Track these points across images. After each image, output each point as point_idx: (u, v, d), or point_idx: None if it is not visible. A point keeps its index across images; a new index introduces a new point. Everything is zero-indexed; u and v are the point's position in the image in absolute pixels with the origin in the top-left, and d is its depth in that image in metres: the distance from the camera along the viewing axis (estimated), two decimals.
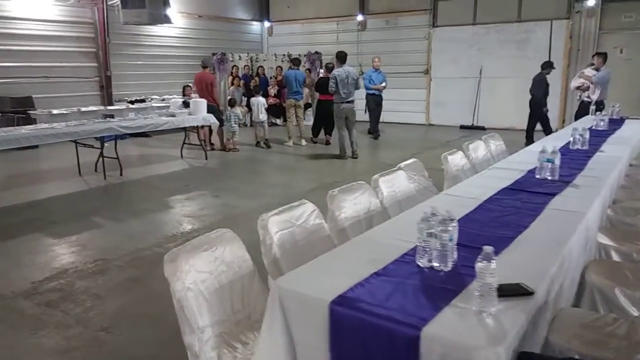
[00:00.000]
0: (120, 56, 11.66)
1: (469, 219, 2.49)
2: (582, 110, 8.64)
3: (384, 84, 10.35)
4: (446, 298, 1.60)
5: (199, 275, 2.04)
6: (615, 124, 6.21)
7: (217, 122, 8.74)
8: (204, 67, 9.13)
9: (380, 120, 13.76)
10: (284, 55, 14.27)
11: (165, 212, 5.60)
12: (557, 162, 3.25)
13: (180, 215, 5.44)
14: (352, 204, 2.99)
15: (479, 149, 4.76)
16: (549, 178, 3.26)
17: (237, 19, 15.03)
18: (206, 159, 8.62)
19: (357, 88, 8.60)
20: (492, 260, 1.48)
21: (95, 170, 7.52)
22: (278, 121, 13.70)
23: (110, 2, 10.94)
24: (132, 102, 11.06)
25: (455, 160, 4.24)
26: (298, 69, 10.22)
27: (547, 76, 9.62)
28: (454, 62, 12.56)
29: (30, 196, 6.22)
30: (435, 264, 1.84)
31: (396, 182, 3.45)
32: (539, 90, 9.43)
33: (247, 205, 5.75)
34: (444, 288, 1.68)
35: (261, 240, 2.48)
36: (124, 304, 3.44)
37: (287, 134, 10.06)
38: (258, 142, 9.79)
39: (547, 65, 9.53)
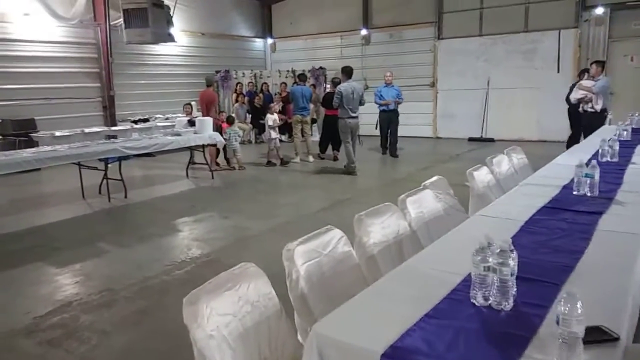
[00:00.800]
0: (124, 76, 11.54)
1: (514, 244, 2.24)
2: (588, 120, 8.42)
3: (391, 100, 9.91)
4: (517, 347, 1.36)
5: (221, 319, 1.80)
6: (638, 133, 5.97)
7: (223, 141, 8.55)
8: (208, 85, 8.99)
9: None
10: (287, 71, 14.15)
11: (172, 236, 5.36)
12: (597, 177, 3.02)
13: (189, 239, 5.20)
14: (380, 227, 2.76)
15: (502, 163, 4.53)
16: (589, 194, 3.02)
17: (240, 36, 14.96)
18: (212, 178, 8.41)
19: (361, 104, 8.42)
20: (577, 304, 1.24)
21: (99, 193, 7.31)
22: (283, 137, 13.52)
23: (113, 22, 10.83)
24: (135, 122, 10.91)
25: (481, 176, 4.00)
26: (304, 85, 10.05)
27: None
28: (460, 74, 12.40)
29: (33, 221, 6.00)
30: (494, 302, 1.60)
31: (423, 202, 3.21)
32: None
33: (258, 227, 5.51)
34: (511, 334, 1.44)
35: (287, 274, 2.24)
36: (132, 340, 3.19)
37: (294, 150, 9.86)
38: (269, 161, 9.53)
39: (585, 71, 9.14)
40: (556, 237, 2.28)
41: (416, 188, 3.33)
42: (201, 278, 4.13)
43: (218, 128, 8.76)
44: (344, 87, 8.23)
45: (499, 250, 1.59)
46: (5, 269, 4.41)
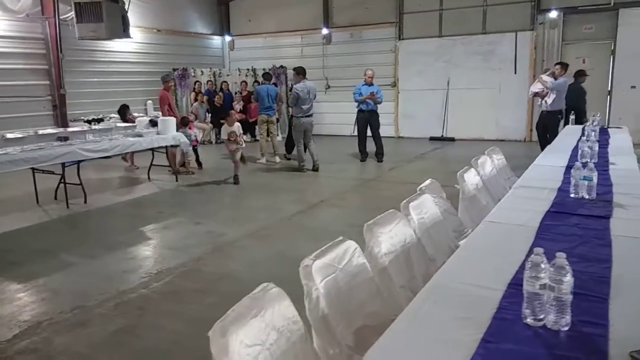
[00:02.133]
0: (75, 73, 10.89)
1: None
2: (543, 120, 8.73)
3: (374, 94, 9.25)
4: None
5: (251, 350, 1.63)
6: (602, 133, 6.18)
7: (188, 142, 8.21)
8: (165, 82, 8.63)
9: (349, 133, 13.67)
10: (247, 69, 13.85)
11: (143, 244, 5.05)
12: (595, 180, 3.03)
13: (162, 248, 4.92)
14: (388, 237, 2.65)
15: (486, 164, 4.52)
16: (587, 197, 3.03)
17: (197, 33, 14.50)
18: (177, 181, 8.06)
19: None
20: None
21: (55, 198, 6.84)
22: (245, 137, 13.20)
23: (63, 17, 10.20)
24: (89, 122, 10.29)
25: (470, 178, 3.96)
26: (269, 84, 9.82)
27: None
28: (421, 75, 12.53)
29: None
30: (550, 322, 1.51)
31: (424, 208, 3.12)
32: (581, 99, 9.07)
33: (234, 233, 5.28)
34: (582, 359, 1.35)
35: (305, 293, 2.08)
36: None
37: (259, 150, 9.62)
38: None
39: (581, 74, 9.29)
40: (575, 245, 2.24)
41: (419, 193, 3.21)
42: (183, 290, 3.91)
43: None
44: (300, 87, 8.34)
45: (554, 266, 1.50)
46: None
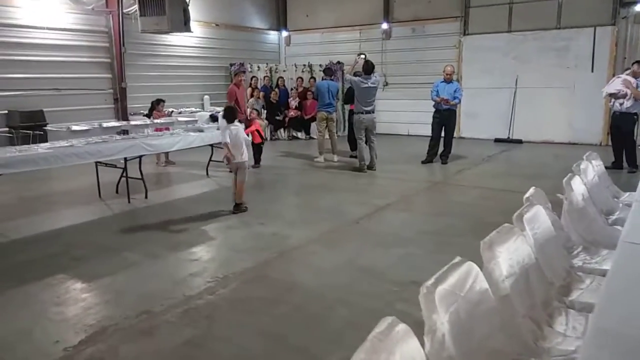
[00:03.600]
0: (135, 67, 10.97)
1: None
2: (616, 121, 7.98)
3: (455, 100, 8.78)
4: None
5: None
6: None
7: (249, 138, 7.99)
8: (235, 76, 8.48)
9: (407, 132, 13.20)
10: (304, 65, 13.59)
11: (206, 245, 4.82)
12: None
13: (226, 249, 4.67)
14: (507, 257, 2.24)
15: (588, 171, 4.00)
16: None
17: (254, 28, 14.38)
18: None
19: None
20: None
21: (117, 192, 6.78)
22: (299, 134, 12.99)
23: (126, 10, 10.26)
24: (147, 115, 10.32)
25: (578, 187, 3.47)
26: (331, 79, 9.46)
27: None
28: (487, 72, 11.85)
29: (48, 225, 5.46)
30: None
31: (537, 222, 2.69)
32: None
33: (299, 236, 4.98)
34: None
35: (427, 328, 1.71)
36: None
37: (317, 149, 9.30)
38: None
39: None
40: None
41: (530, 204, 2.77)
42: (251, 298, 3.63)
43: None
44: (360, 81, 8.01)
45: None
46: (21, 284, 3.88)
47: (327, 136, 9.24)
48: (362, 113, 8.07)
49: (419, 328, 3.14)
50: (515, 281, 2.18)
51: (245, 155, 5.82)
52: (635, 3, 10.11)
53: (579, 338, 2.04)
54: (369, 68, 8.08)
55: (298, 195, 6.82)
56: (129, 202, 6.38)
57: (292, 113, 12.86)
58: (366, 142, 8.27)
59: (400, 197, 6.55)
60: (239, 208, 5.82)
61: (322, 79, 9.37)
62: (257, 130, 7.96)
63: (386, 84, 13.32)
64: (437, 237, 4.93)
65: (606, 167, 6.89)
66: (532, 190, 3.18)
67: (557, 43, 11.04)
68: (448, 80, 8.85)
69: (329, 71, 9.66)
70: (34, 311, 3.44)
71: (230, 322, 3.27)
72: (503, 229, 2.36)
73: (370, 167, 8.25)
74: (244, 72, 8.93)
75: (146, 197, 6.57)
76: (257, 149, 8.51)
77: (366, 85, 7.93)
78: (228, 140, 5.67)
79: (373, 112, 8.17)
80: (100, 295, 3.70)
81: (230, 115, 5.84)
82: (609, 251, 2.98)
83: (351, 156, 9.18)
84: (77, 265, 4.28)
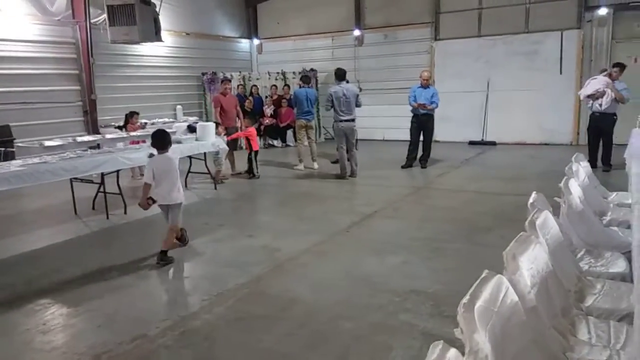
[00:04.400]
0: (105, 78, 10.63)
1: None
2: (596, 122, 8.21)
3: (432, 105, 8.90)
4: None
5: None
6: None
7: (227, 148, 7.87)
8: (222, 84, 8.41)
9: (383, 137, 13.25)
10: (277, 73, 13.49)
11: (195, 261, 4.67)
12: None
13: (217, 265, 4.52)
14: (528, 266, 2.20)
15: (579, 173, 4.05)
16: None
17: (225, 37, 14.20)
18: (215, 188, 7.71)
19: (357, 105, 8.16)
20: None
21: (93, 208, 6.54)
22: (275, 142, 12.87)
23: (94, 20, 9.95)
24: (120, 128, 10.01)
25: (575, 189, 3.49)
26: (308, 87, 9.41)
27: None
28: (459, 76, 12.02)
29: (24, 246, 5.20)
30: None
31: (547, 227, 2.67)
32: None
33: (290, 248, 4.87)
34: None
35: (468, 350, 1.64)
36: None
37: (297, 156, 9.22)
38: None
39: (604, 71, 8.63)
40: None
41: (538, 210, 2.75)
42: (250, 316, 3.51)
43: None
44: (334, 89, 8.03)
45: None
46: (1, 311, 3.64)
47: (305, 143, 9.17)
48: (341, 121, 8.03)
49: (427, 339, 3.11)
50: (537, 291, 2.15)
51: (181, 192, 4.64)
52: (598, 7, 10.44)
53: (607, 347, 2.02)
54: (341, 74, 8.08)
55: (283, 205, 6.71)
56: (107, 218, 6.15)
57: (267, 121, 12.74)
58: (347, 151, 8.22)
59: (386, 204, 6.52)
60: (164, 258, 4.47)
61: (300, 87, 9.29)
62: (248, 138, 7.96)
63: (360, 90, 13.31)
64: (430, 243, 4.91)
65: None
66: (534, 195, 3.18)
67: (526, 47, 11.30)
68: (425, 85, 8.91)
69: (307, 79, 9.61)
70: (19, 341, 3.23)
71: (232, 343, 3.14)
72: (521, 238, 2.32)
73: (352, 175, 8.20)
74: (230, 80, 8.81)
75: (125, 212, 6.34)
76: (255, 158, 8.43)
77: (342, 93, 7.91)
78: (151, 180, 4.46)
79: (352, 121, 8.11)
80: (90, 320, 3.51)
81: (161, 141, 4.58)
82: (612, 253, 3.00)
83: (333, 162, 9.13)
84: (60, 288, 4.06)
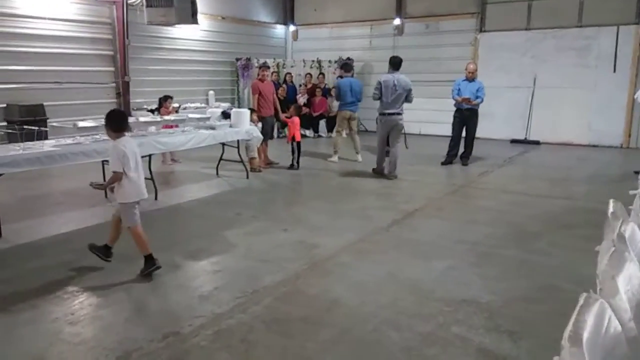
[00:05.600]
0: (139, 60, 10.53)
1: None
2: None
3: (477, 100, 8.38)
4: None
5: None
6: None
7: (261, 136, 7.62)
8: (260, 70, 8.14)
9: (419, 132, 12.81)
10: (313, 61, 13.18)
11: (229, 254, 4.42)
12: None
13: (251, 259, 4.27)
14: (625, 287, 1.86)
15: None
16: None
17: (260, 22, 13.94)
18: (247, 177, 7.48)
19: (407, 101, 7.45)
20: None
21: None
22: (307, 132, 12.57)
23: (131, 1, 9.82)
24: (152, 111, 9.88)
25: None
26: (351, 76, 8.99)
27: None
28: (503, 71, 11.49)
29: (54, 228, 5.06)
30: None
31: (634, 240, 2.31)
32: None
33: (328, 244, 4.59)
34: None
35: None
36: None
37: (332, 148, 8.90)
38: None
39: None
40: None
41: (620, 221, 2.38)
42: (289, 319, 3.22)
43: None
44: (385, 78, 7.35)
45: None
46: (30, 297, 3.47)
47: (344, 135, 8.84)
48: (386, 114, 7.37)
49: (483, 357, 2.79)
50: (635, 316, 1.81)
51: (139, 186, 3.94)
52: None
53: None
54: (396, 62, 7.44)
55: (318, 198, 6.41)
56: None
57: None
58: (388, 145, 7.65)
59: (427, 202, 6.17)
60: (149, 264, 3.84)
61: (340, 77, 8.85)
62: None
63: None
64: (477, 247, 4.56)
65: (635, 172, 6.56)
66: (613, 203, 2.80)
67: (578, 42, 10.70)
68: (470, 79, 8.46)
69: (348, 67, 9.12)
70: (46, 332, 3.04)
71: (271, 348, 2.88)
72: (615, 254, 1.97)
73: (388, 175, 7.48)
74: (268, 67, 8.47)
75: (156, 198, 6.17)
76: (298, 149, 8.14)
77: (392, 83, 7.26)
78: (120, 168, 3.75)
79: (398, 115, 7.36)
80: (119, 312, 3.30)
81: (118, 122, 3.87)
82: None
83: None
84: (89, 275, 3.88)
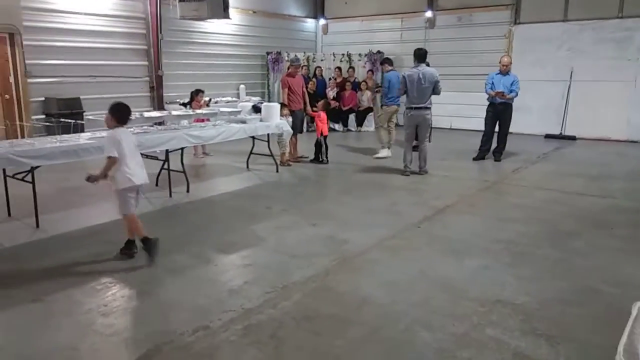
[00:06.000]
0: (172, 54, 10.66)
1: None
2: None
3: (512, 94, 8.17)
4: None
5: None
6: None
7: (291, 130, 7.61)
8: (293, 67, 8.06)
9: (450, 126, 12.60)
10: (343, 55, 13.10)
11: (258, 247, 4.43)
12: None
13: (281, 254, 4.27)
14: None
15: None
16: None
17: (291, 16, 13.92)
18: (277, 171, 7.49)
19: (435, 93, 7.20)
20: None
21: (156, 185, 6.48)
22: (336, 126, 12.51)
23: None
24: (184, 105, 10.00)
25: None
26: (394, 69, 8.77)
27: None
28: (539, 64, 11.17)
29: (89, 220, 5.18)
30: None
31: None
32: None
33: (358, 240, 4.56)
34: None
35: None
36: None
37: (379, 143, 8.75)
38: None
39: None
40: None
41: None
42: (319, 316, 3.19)
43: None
44: (409, 72, 7.12)
45: None
46: (64, 287, 3.56)
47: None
48: (412, 108, 7.10)
49: None
50: None
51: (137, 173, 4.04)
52: None
53: None
54: (421, 54, 7.12)
55: (347, 193, 6.36)
56: (170, 196, 6.06)
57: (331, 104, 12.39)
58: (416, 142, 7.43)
59: (459, 198, 6.06)
60: (147, 244, 4.00)
61: (387, 71, 8.63)
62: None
63: None
64: (511, 246, 4.44)
65: None
66: None
67: (618, 33, 10.30)
68: (504, 72, 8.23)
69: (389, 61, 8.78)
70: (80, 322, 3.10)
71: (300, 345, 2.86)
72: None
73: (419, 172, 7.30)
74: (300, 65, 8.39)
75: (188, 190, 6.24)
76: (326, 144, 8.12)
77: (417, 76, 6.99)
78: (115, 153, 3.87)
79: (426, 109, 7.12)
80: (150, 305, 3.35)
81: (123, 114, 4.07)
82: None
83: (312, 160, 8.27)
84: (122, 267, 3.94)
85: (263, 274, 3.83)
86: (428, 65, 7.27)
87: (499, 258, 4.19)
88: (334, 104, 12.39)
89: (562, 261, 4.14)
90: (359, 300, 3.39)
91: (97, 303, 3.34)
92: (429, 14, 12.59)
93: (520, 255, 4.26)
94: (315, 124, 8.33)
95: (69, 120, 5.75)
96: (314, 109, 8.37)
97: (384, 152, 8.62)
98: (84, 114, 8.33)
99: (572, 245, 4.49)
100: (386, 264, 4.05)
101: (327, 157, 8.09)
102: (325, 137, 8.04)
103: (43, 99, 8.53)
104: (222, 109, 7.47)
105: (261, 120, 7.18)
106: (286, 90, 7.92)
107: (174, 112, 6.89)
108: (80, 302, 3.37)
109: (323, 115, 8.09)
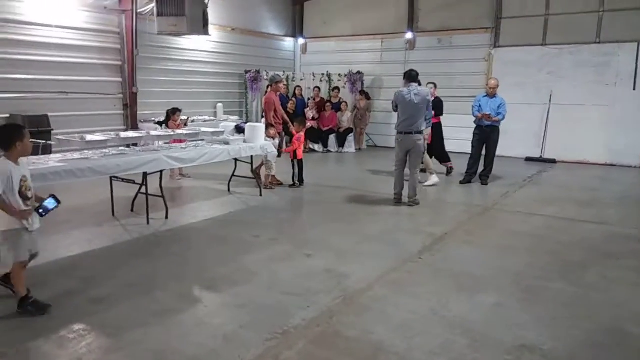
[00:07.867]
0: (147, 71, 10.20)
1: None
2: None
3: (498, 116, 8.01)
4: None
5: None
6: None
7: (276, 152, 7.27)
8: (276, 84, 7.71)
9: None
10: (322, 74, 12.89)
11: (251, 284, 4.02)
12: None
13: (277, 291, 3.88)
14: None
15: None
16: None
17: (269, 34, 13.68)
18: (261, 195, 7.12)
19: (426, 118, 6.84)
20: None
21: (132, 210, 6.03)
22: (316, 147, 12.23)
23: (141, 9, 9.52)
24: (160, 124, 9.54)
25: None
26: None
27: None
28: (518, 87, 11.15)
29: (58, 251, 4.66)
30: None
31: None
32: None
33: (359, 273, 4.22)
34: None
35: None
36: None
37: (428, 169, 8.12)
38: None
39: None
40: None
41: None
42: None
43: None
44: (399, 91, 6.62)
45: None
46: (33, 337, 3.07)
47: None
48: (401, 133, 6.55)
49: None
50: None
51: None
52: None
53: None
54: (412, 75, 6.70)
55: (339, 220, 6.01)
56: (147, 222, 5.59)
57: (309, 124, 12.11)
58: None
59: (455, 225, 5.80)
60: (24, 304, 3.37)
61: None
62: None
63: None
64: (521, 279, 4.19)
65: None
66: None
67: (596, 58, 10.44)
68: (491, 95, 8.14)
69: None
70: None
71: None
72: None
73: (408, 203, 6.68)
74: (281, 80, 8.06)
75: (167, 217, 5.79)
76: (299, 166, 7.76)
77: (409, 98, 6.49)
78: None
79: (417, 133, 6.49)
80: (134, 357, 2.90)
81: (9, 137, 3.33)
82: None
83: (290, 186, 7.80)
84: (99, 309, 3.48)
85: (259, 316, 3.43)
86: (419, 84, 6.93)
87: (512, 293, 3.92)
88: (309, 123, 12.11)
89: (579, 297, 3.89)
90: (372, 348, 3.04)
91: (70, 357, 2.88)
92: (409, 35, 12.56)
93: (532, 290, 4.00)
94: (292, 144, 7.93)
95: (38, 141, 5.24)
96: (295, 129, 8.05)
97: (434, 179, 8.04)
98: (53, 132, 7.78)
99: (584, 278, 4.27)
100: (393, 302, 3.71)
101: (301, 180, 7.77)
102: (300, 160, 7.69)
103: (8, 115, 7.93)
104: (203, 129, 7.04)
105: (245, 142, 6.81)
106: (272, 112, 7.57)
107: (153, 132, 6.44)
108: (49, 355, 2.90)
109: (302, 137, 7.78)
